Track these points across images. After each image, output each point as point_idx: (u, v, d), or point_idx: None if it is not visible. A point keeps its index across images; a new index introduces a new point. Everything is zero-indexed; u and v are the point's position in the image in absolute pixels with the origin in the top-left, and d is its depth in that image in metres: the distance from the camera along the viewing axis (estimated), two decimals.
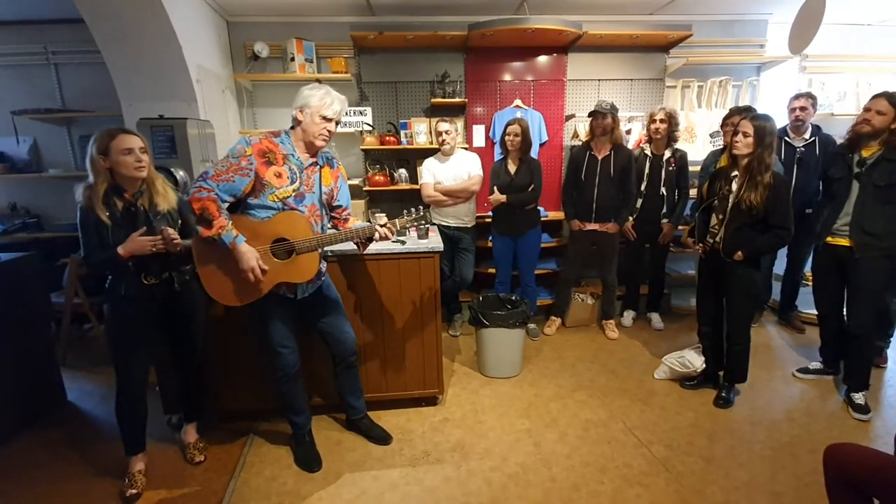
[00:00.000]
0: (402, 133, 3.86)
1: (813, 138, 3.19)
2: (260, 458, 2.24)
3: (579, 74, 4.01)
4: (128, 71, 3.00)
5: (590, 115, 3.23)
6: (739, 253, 2.37)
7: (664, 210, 3.44)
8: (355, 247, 2.15)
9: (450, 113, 3.82)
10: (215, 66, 3.47)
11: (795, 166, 3.19)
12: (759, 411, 2.55)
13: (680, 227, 3.51)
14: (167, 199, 1.93)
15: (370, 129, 3.78)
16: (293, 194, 1.88)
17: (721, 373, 2.70)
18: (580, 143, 3.70)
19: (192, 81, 3.09)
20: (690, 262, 4.11)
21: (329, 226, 2.09)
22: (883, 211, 2.35)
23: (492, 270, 3.65)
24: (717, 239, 2.44)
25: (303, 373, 2.16)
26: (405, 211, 2.00)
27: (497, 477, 2.09)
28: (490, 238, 3.52)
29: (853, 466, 1.36)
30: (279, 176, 1.85)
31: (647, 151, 3.41)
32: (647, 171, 3.39)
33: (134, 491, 1.97)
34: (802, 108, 3.13)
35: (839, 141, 2.70)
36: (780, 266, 3.62)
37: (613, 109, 3.14)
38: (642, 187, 3.41)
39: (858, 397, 2.51)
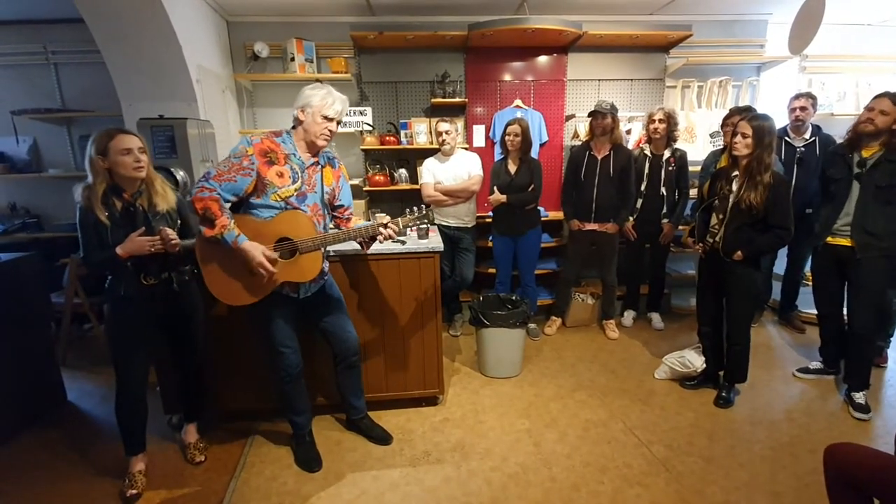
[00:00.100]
0: (403, 133, 3.86)
1: (813, 138, 3.19)
2: (260, 458, 2.24)
3: (579, 74, 4.01)
4: (128, 71, 3.00)
5: (589, 115, 3.23)
6: (739, 253, 2.37)
7: (664, 210, 3.44)
8: (358, 246, 2.15)
9: (450, 113, 3.82)
10: (215, 66, 3.47)
11: (796, 166, 3.19)
12: (759, 411, 2.55)
13: (680, 227, 3.51)
14: (166, 199, 1.92)
15: (370, 129, 3.78)
16: (295, 194, 1.88)
17: (721, 373, 2.70)
18: (580, 143, 3.70)
19: (192, 81, 3.09)
20: (690, 262, 4.11)
21: (331, 225, 2.10)
22: (883, 211, 2.35)
23: (492, 270, 3.65)
24: (717, 239, 2.45)
25: (306, 372, 2.16)
26: (407, 210, 2.00)
27: (497, 477, 2.09)
28: (490, 238, 3.52)
29: (853, 466, 1.36)
30: (281, 175, 1.85)
31: (647, 151, 3.41)
32: (646, 171, 3.39)
33: (134, 491, 1.97)
34: (802, 108, 3.13)
35: (839, 141, 2.70)
36: (780, 266, 3.62)
37: (613, 109, 3.15)
38: (642, 187, 3.41)
39: (859, 396, 2.51)
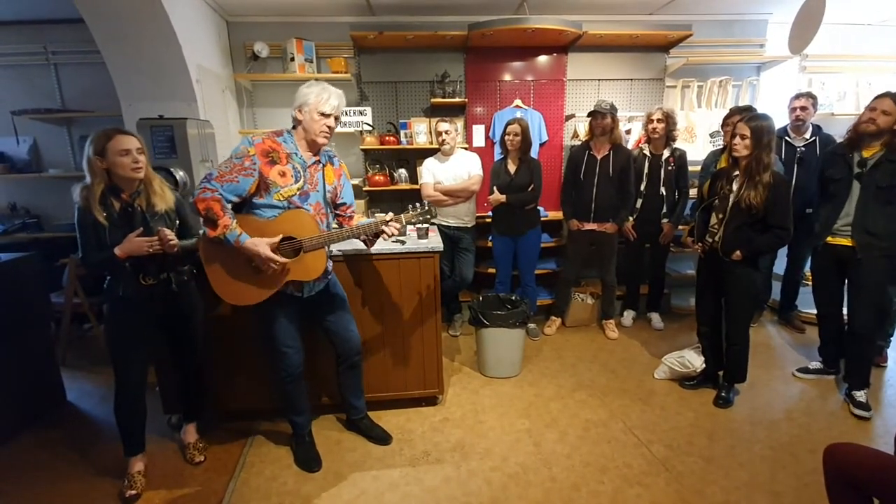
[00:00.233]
0: (402, 133, 3.86)
1: (813, 138, 3.19)
2: (260, 458, 2.24)
3: (579, 74, 4.01)
4: (128, 71, 3.00)
5: (589, 114, 3.23)
6: (738, 252, 2.37)
7: (664, 210, 3.44)
8: (362, 244, 2.15)
9: (450, 113, 3.83)
10: (215, 66, 3.47)
11: (796, 166, 3.19)
12: (759, 411, 2.55)
13: (680, 227, 3.51)
14: (164, 199, 1.92)
15: (370, 128, 3.78)
16: (298, 193, 1.88)
17: (721, 373, 2.70)
18: (580, 142, 3.70)
19: (192, 81, 3.08)
20: (690, 262, 4.11)
21: (334, 224, 2.10)
22: (884, 211, 2.35)
23: (492, 270, 3.65)
24: (716, 238, 2.44)
25: (308, 372, 2.16)
26: (410, 206, 2.01)
27: (497, 477, 2.08)
28: (490, 238, 3.52)
29: (853, 466, 1.36)
30: (283, 175, 1.85)
31: (646, 151, 3.41)
32: (646, 170, 3.39)
33: (133, 492, 1.97)
34: (803, 108, 3.13)
35: (839, 141, 2.69)
36: (780, 266, 3.62)
37: (613, 109, 3.14)
38: (642, 187, 3.41)
39: (860, 395, 2.51)
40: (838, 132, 2.93)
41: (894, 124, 2.30)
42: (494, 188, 3.24)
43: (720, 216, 2.45)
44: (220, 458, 2.23)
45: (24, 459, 2.29)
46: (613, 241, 3.43)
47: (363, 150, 3.90)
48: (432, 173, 3.25)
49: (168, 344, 2.12)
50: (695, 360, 2.77)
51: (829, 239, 2.55)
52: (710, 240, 2.48)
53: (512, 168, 3.24)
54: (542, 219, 3.51)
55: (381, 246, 2.32)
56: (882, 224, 2.36)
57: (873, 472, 1.32)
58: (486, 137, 4.04)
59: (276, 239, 1.82)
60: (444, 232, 3.23)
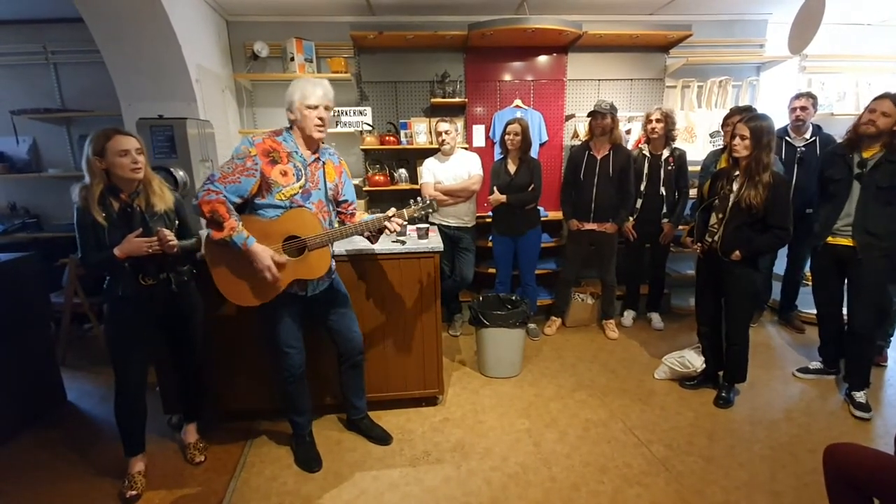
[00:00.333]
0: (402, 133, 3.86)
1: (814, 138, 3.19)
2: (260, 458, 2.24)
3: (579, 74, 4.01)
4: (127, 71, 3.00)
5: (589, 114, 3.23)
6: (737, 252, 2.37)
7: (664, 210, 3.44)
8: (365, 242, 2.15)
9: (450, 113, 3.82)
10: (215, 66, 3.46)
11: (796, 166, 3.19)
12: (759, 411, 2.55)
13: (680, 227, 3.51)
14: (164, 199, 1.92)
15: (370, 128, 3.78)
16: (300, 191, 1.88)
17: (721, 373, 2.70)
18: (580, 142, 3.70)
19: (192, 81, 3.08)
20: (690, 262, 4.11)
21: (337, 221, 2.10)
22: (884, 212, 2.35)
23: (492, 270, 3.65)
24: (716, 238, 2.45)
25: (312, 372, 2.16)
26: (412, 201, 2.01)
27: (497, 477, 2.09)
28: (490, 238, 3.52)
29: (853, 466, 1.36)
30: (285, 174, 1.85)
31: (646, 151, 3.41)
32: (646, 170, 3.39)
33: (134, 492, 1.97)
34: (803, 108, 3.13)
35: (839, 141, 2.70)
36: (780, 266, 3.62)
37: (612, 109, 3.14)
38: (642, 187, 3.41)
39: (860, 395, 2.51)
40: (838, 132, 2.92)
41: (894, 126, 2.30)
42: (494, 188, 3.24)
43: (720, 216, 2.45)
44: (220, 458, 2.23)
45: (24, 459, 2.29)
46: (613, 241, 3.42)
47: (363, 149, 3.90)
48: (432, 173, 3.25)
49: (168, 344, 2.12)
50: (695, 360, 2.77)
51: (829, 239, 2.55)
52: (710, 240, 2.48)
53: (512, 168, 3.24)
54: (542, 219, 3.51)
55: (381, 246, 2.32)
56: (882, 224, 2.36)
57: (873, 472, 1.32)
58: (486, 137, 4.04)
59: (283, 258, 1.84)
60: (445, 232, 3.23)
